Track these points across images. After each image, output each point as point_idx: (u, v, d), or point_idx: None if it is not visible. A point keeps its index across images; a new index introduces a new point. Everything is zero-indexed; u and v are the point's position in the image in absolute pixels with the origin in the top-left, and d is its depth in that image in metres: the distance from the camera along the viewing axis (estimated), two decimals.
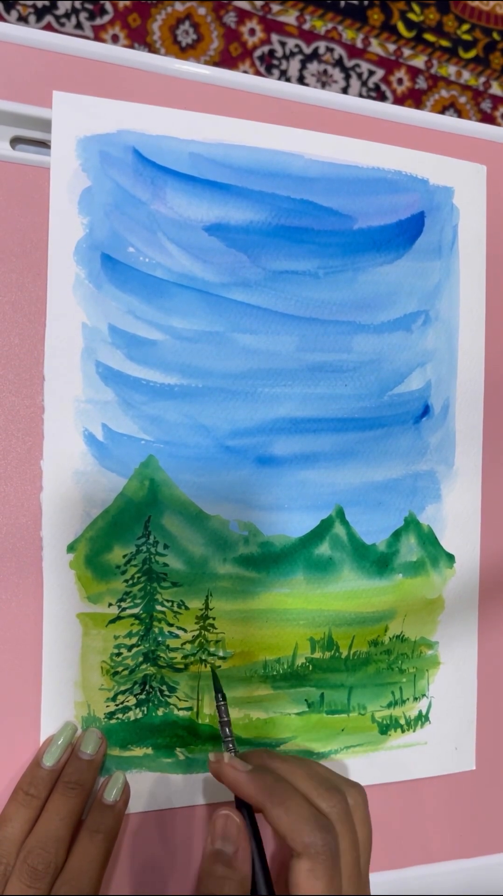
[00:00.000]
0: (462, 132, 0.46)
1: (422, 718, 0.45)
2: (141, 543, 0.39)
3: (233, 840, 0.33)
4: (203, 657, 0.40)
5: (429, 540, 0.45)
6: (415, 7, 1.32)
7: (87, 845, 0.34)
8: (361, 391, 0.43)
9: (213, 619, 0.40)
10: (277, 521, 0.41)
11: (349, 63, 1.30)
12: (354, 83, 1.30)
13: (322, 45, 1.28)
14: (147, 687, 0.39)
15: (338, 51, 1.29)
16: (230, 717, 0.37)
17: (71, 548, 0.37)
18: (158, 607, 0.39)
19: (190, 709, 0.39)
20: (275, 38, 1.25)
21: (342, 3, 1.28)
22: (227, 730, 0.37)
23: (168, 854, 0.39)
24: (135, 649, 0.38)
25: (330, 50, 1.28)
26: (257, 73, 1.24)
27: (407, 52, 1.33)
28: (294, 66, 1.27)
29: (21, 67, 0.37)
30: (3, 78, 0.37)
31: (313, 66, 1.28)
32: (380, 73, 1.31)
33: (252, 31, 1.24)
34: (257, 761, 0.36)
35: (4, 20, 1.11)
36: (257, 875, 0.34)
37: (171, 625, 0.39)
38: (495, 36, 1.38)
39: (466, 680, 0.46)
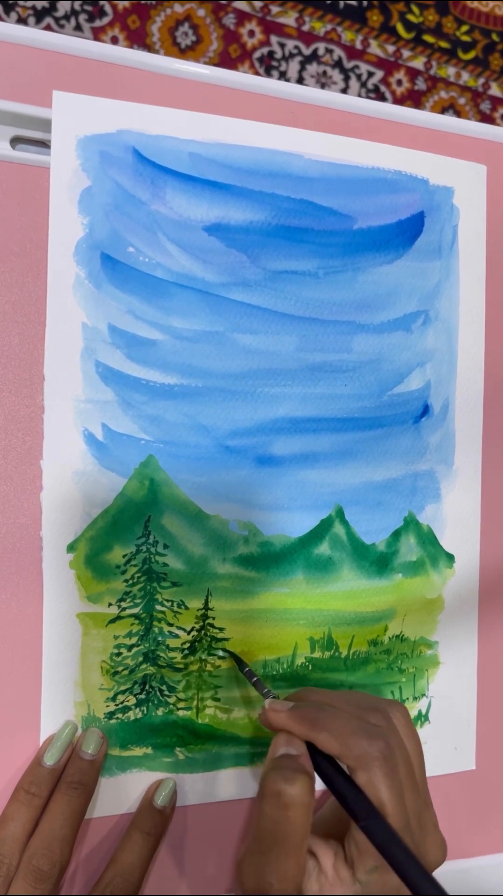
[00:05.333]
0: (462, 132, 0.46)
1: (422, 718, 0.45)
2: (141, 543, 0.39)
3: (296, 747, 0.33)
4: (203, 657, 0.40)
5: (428, 540, 0.45)
6: (415, 8, 1.33)
7: (140, 843, 0.36)
8: (361, 391, 0.43)
9: (213, 618, 0.40)
10: (277, 520, 0.41)
11: (348, 64, 1.30)
12: (353, 84, 1.30)
13: (321, 47, 1.28)
14: (147, 687, 0.39)
15: (338, 52, 1.29)
16: (258, 676, 0.38)
17: (71, 547, 0.37)
18: (158, 607, 0.39)
19: (189, 708, 0.39)
20: (274, 39, 1.25)
21: (341, 5, 1.28)
22: (262, 686, 0.37)
23: (167, 853, 0.39)
24: (135, 649, 0.38)
25: (329, 51, 1.29)
26: (256, 74, 1.24)
27: (406, 53, 1.33)
28: (293, 68, 1.27)
29: (21, 67, 0.37)
30: (3, 78, 0.37)
31: (312, 68, 1.28)
32: (379, 74, 1.32)
33: (251, 33, 1.24)
34: (296, 698, 0.36)
35: (4, 21, 1.11)
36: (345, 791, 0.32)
37: (171, 624, 0.39)
38: (494, 37, 1.38)
39: (466, 680, 0.46)
